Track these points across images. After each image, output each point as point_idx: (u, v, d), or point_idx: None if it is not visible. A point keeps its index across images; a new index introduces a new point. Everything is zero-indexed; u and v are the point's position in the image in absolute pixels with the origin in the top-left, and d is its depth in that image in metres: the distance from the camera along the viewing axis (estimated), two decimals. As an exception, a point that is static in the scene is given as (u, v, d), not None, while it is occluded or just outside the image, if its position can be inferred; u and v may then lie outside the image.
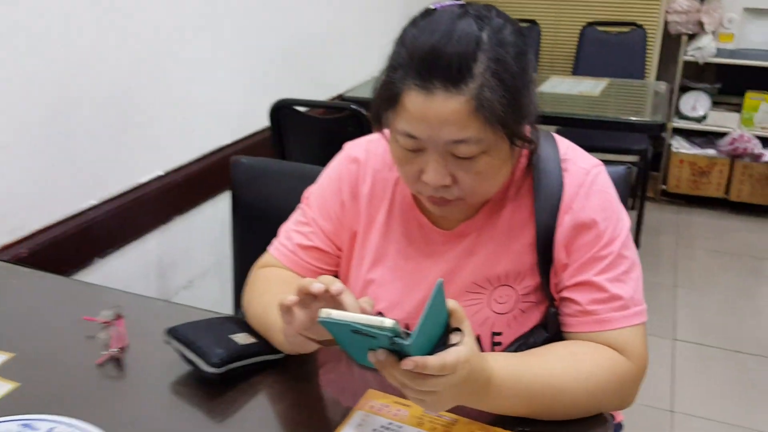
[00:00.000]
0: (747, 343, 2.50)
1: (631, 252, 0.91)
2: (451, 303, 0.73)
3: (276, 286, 0.99)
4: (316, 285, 0.76)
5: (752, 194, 3.59)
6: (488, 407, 0.79)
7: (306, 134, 2.02)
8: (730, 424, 2.08)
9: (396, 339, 0.67)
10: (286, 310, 0.79)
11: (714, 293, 2.87)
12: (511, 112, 0.80)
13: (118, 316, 1.01)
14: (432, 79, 0.78)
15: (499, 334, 0.94)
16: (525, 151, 0.93)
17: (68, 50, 1.39)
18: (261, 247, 1.08)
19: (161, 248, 1.70)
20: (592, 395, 0.83)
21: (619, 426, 1.14)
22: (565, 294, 0.91)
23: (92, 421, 0.81)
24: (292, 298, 0.78)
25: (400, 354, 0.69)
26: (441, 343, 0.73)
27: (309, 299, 0.78)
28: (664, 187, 3.79)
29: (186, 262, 1.80)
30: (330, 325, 0.70)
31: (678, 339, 2.53)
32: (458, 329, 0.73)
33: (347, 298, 0.76)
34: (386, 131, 0.89)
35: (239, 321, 0.99)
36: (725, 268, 3.11)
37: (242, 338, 0.93)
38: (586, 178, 0.91)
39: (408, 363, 0.67)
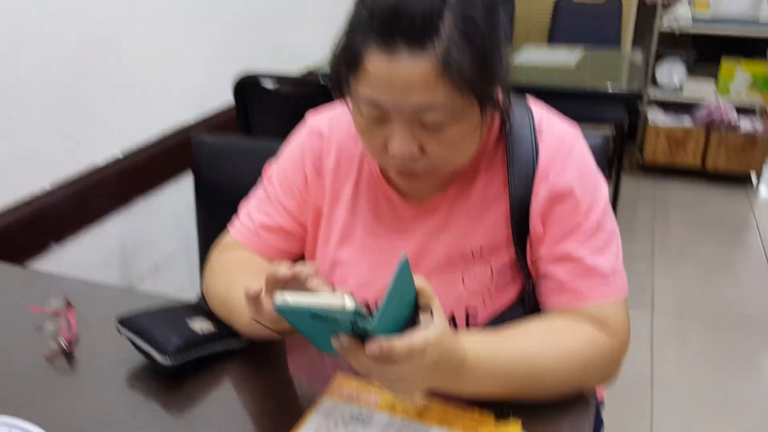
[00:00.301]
0: (725, 313, 2.50)
1: (611, 222, 0.87)
2: (419, 281, 0.68)
3: (239, 267, 0.93)
4: (283, 270, 0.70)
5: (728, 164, 3.59)
6: (463, 391, 0.75)
7: (274, 111, 1.94)
8: (710, 394, 2.08)
9: (358, 322, 0.61)
10: (252, 299, 0.73)
11: (691, 264, 2.87)
12: (481, 74, 0.74)
13: (68, 306, 0.95)
14: (395, 39, 0.72)
15: (473, 312, 0.89)
16: (497, 119, 0.88)
17: (10, 25, 1.30)
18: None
19: (123, 233, 1.63)
20: (572, 374, 0.79)
21: (601, 403, 1.10)
22: (542, 268, 0.86)
23: (37, 420, 0.74)
24: (258, 286, 0.71)
25: (365, 337, 0.64)
26: (409, 324, 0.68)
27: (279, 286, 0.71)
28: (640, 158, 3.77)
29: (150, 246, 1.73)
30: (287, 312, 0.65)
31: (656, 310, 2.52)
32: (427, 309, 0.68)
33: (318, 285, 0.70)
34: (348, 100, 0.83)
35: (198, 308, 0.92)
36: (702, 238, 3.10)
37: (201, 325, 0.87)
38: (562, 146, 0.86)
39: (373, 348, 0.62)
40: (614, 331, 0.82)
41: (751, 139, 3.51)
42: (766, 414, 2.00)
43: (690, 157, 3.64)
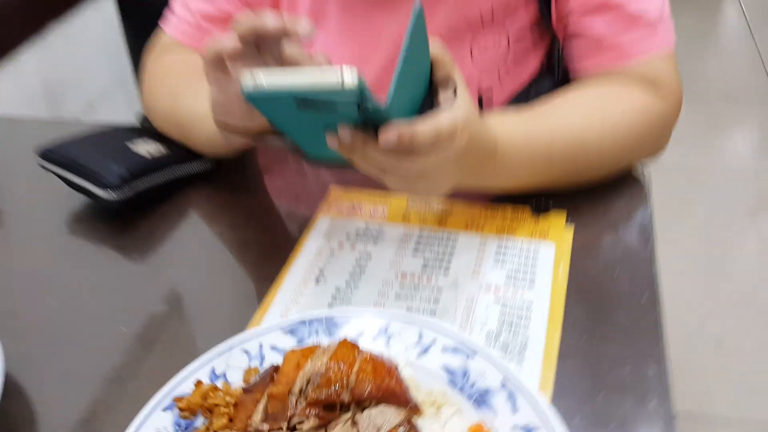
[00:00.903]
0: (710, 86, 2.39)
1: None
2: (434, 46, 0.49)
3: (186, 72, 0.72)
4: (271, 19, 0.48)
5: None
6: (497, 184, 0.60)
7: None
8: (700, 169, 2.03)
9: (366, 103, 0.43)
10: (216, 63, 0.52)
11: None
12: None
13: (-25, 148, 0.75)
14: None
15: (488, 94, 0.72)
16: None
17: None
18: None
19: (43, 68, 1.37)
20: (623, 148, 0.64)
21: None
22: (574, 23, 0.67)
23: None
24: (228, 42, 0.50)
25: (374, 125, 0.46)
26: (426, 105, 0.50)
27: (252, 48, 0.50)
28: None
29: (79, 82, 1.48)
30: (262, 100, 0.45)
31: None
32: (447, 84, 0.50)
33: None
34: None
35: (140, 129, 0.73)
36: (681, 10, 2.90)
37: (147, 148, 0.68)
38: None
39: (389, 136, 0.44)
40: (667, 92, 0.66)
41: None
42: (755, 181, 1.97)
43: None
